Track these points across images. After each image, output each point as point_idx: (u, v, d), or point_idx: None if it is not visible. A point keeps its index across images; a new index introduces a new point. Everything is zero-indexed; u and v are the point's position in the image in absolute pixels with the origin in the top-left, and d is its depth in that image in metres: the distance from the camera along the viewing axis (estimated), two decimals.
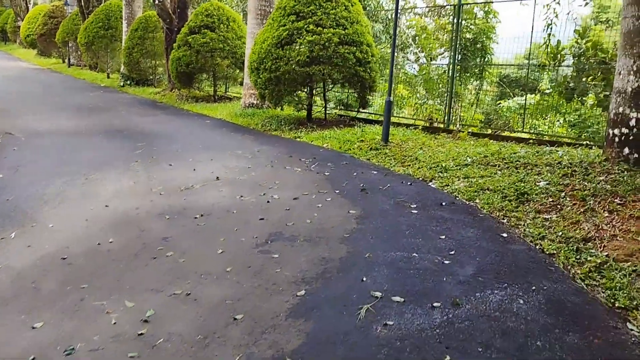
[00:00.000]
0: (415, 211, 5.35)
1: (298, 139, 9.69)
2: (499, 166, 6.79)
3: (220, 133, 9.98)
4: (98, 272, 3.93)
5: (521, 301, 3.37)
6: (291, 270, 3.93)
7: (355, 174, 7.00)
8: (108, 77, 20.48)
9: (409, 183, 6.56)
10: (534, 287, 3.58)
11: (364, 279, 3.74)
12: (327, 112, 11.76)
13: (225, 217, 5.14)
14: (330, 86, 11.18)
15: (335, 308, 3.34)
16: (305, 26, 9.90)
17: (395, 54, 13.46)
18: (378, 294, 3.49)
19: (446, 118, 10.20)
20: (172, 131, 9.90)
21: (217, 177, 6.61)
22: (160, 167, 7.10)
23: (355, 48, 9.93)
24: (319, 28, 9.84)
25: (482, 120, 11.93)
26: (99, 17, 20.25)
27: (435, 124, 10.46)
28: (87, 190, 5.98)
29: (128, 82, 18.15)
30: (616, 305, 3.38)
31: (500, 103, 14.16)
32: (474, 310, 3.27)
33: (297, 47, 9.87)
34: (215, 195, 5.88)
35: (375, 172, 7.12)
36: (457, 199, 5.87)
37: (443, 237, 4.59)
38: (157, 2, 15.76)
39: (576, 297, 3.46)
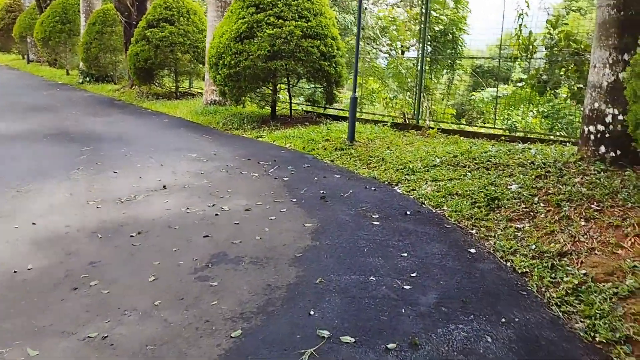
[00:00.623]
0: (377, 222, 4.87)
1: (260, 139, 9.14)
2: (468, 167, 6.35)
3: (176, 134, 9.37)
4: (7, 310, 3.36)
5: (489, 339, 2.92)
6: (230, 302, 3.41)
7: (316, 178, 6.50)
8: (67, 73, 19.59)
9: (373, 188, 6.08)
10: (504, 319, 3.13)
11: (312, 312, 3.25)
12: (294, 108, 11.23)
13: (166, 235, 4.59)
14: (295, 81, 10.64)
15: (274, 353, 2.84)
16: (266, 19, 9.32)
17: (368, 46, 12.98)
18: (326, 333, 3.00)
19: (416, 113, 9.76)
20: (125, 133, 9.26)
21: (164, 186, 6.03)
22: (104, 175, 6.49)
23: (319, 41, 9.40)
24: (280, 20, 9.27)
25: (454, 114, 11.54)
26: (56, 10, 19.30)
27: (407, 120, 10.01)
28: (16, 205, 5.35)
29: (87, 78, 17.33)
30: (596, 339, 2.94)
31: (473, 95, 13.81)
32: (435, 352, 2.80)
33: (258, 41, 9.30)
34: (158, 207, 5.32)
35: (338, 176, 6.63)
36: (424, 206, 5.42)
37: (405, 254, 4.12)
38: None
39: (551, 331, 3.02)
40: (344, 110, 11.10)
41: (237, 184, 6.21)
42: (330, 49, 9.57)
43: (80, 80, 17.37)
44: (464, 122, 12.14)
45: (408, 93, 10.73)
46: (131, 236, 4.57)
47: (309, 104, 11.38)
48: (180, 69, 13.84)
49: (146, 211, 5.21)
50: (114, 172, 6.61)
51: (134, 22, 14.79)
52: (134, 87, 14.80)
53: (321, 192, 5.88)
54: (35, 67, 22.30)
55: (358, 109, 10.48)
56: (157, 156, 7.52)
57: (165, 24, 13.24)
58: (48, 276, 3.84)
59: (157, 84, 14.50)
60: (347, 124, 9.07)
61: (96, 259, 4.11)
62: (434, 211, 5.24)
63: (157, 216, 5.05)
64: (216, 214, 5.11)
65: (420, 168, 6.65)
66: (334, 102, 10.53)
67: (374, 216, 5.05)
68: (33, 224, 4.86)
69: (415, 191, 5.88)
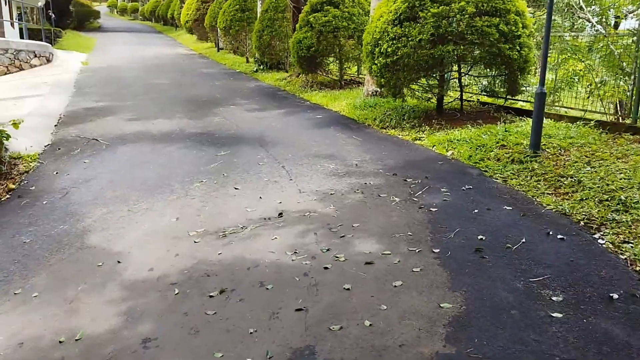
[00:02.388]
0: (559, 314, 3.09)
1: (418, 142, 7.57)
2: None
3: (324, 134, 8.26)
4: None
5: None
6: None
7: (476, 210, 4.80)
8: (247, 61, 19.94)
9: (559, 235, 4.20)
10: None
11: None
12: (467, 99, 9.36)
13: (252, 299, 3.45)
14: (467, 69, 8.75)
15: None
16: None
17: (566, 21, 10.35)
18: None
19: (634, 109, 7.21)
20: (270, 133, 8.44)
21: (281, 213, 4.92)
22: (223, 191, 5.63)
23: (498, 19, 7.41)
24: None
25: None
26: None
27: (621, 118, 7.51)
28: (118, 231, 4.72)
29: (261, 66, 17.29)
30: None
31: None
32: None
33: (420, 23, 7.67)
34: (261, 248, 4.21)
35: (508, 208, 4.83)
36: None
37: None
38: None
39: None
40: (529, 102, 8.87)
41: (368, 214, 4.82)
42: (513, 28, 7.51)
43: (255, 69, 17.43)
44: None
45: (624, 79, 8.09)
46: (210, 296, 3.51)
47: (485, 94, 9.37)
48: (344, 56, 12.76)
49: (245, 253, 4.14)
50: (235, 189, 5.71)
51: (302, 7, 14.07)
52: (300, 75, 14.17)
53: (479, 237, 4.20)
54: (222, 56, 23.36)
55: (549, 100, 8.23)
56: (291, 166, 6.48)
57: (329, 7, 12.22)
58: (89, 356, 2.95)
59: (322, 72, 13.65)
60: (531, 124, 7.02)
61: (152, 335, 3.12)
62: None
63: (254, 263, 3.94)
64: (325, 268, 3.81)
65: (639, 201, 4.52)
66: (517, 93, 8.42)
67: (555, 298, 3.26)
68: (118, 262, 4.11)
69: (630, 246, 3.86)
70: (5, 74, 16.37)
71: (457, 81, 9.01)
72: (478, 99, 9.64)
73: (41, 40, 20.47)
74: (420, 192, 5.34)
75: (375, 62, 8.24)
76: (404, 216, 4.74)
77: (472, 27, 7.37)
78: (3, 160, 6.58)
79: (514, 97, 8.63)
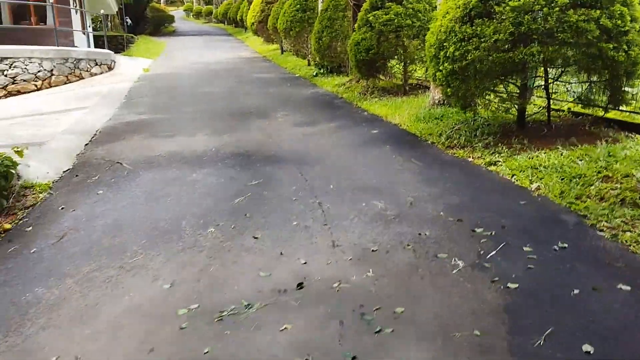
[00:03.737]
0: None
1: (492, 168, 6.08)
2: None
3: (377, 157, 6.95)
4: None
5: None
6: None
7: (577, 291, 3.34)
8: (309, 64, 18.86)
9: None
10: None
11: None
12: (556, 108, 7.71)
13: None
14: (558, 73, 7.11)
15: None
16: None
17: None
18: None
19: None
20: (315, 154, 7.24)
21: (301, 284, 3.69)
22: (238, 242, 4.48)
23: (598, 11, 5.78)
24: None
25: None
26: None
27: None
28: (95, 301, 3.69)
29: (321, 70, 16.16)
30: None
31: None
32: None
33: (496, 20, 6.18)
34: (264, 344, 3.02)
35: (626, 290, 3.33)
36: None
37: None
38: None
39: None
40: (639, 113, 7.08)
41: (419, 290, 3.49)
42: (618, 22, 5.84)
43: (314, 73, 16.30)
44: None
45: None
46: None
47: (579, 102, 7.66)
48: (408, 58, 11.31)
49: (240, 352, 2.97)
50: (254, 238, 4.55)
51: (362, 4, 12.74)
52: (360, 80, 12.86)
53: (583, 347, 2.77)
54: (284, 59, 22.45)
55: None
56: (329, 203, 5.24)
57: (391, 3, 10.83)
58: None
59: (384, 76, 12.25)
60: None
61: None
62: None
63: None
64: None
65: None
66: (622, 102, 6.69)
67: None
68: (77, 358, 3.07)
69: None
70: (65, 83, 16.26)
71: (541, 88, 7.39)
72: (569, 109, 7.93)
73: (104, 47, 20.45)
74: (493, 253, 3.92)
75: (440, 68, 6.82)
76: (470, 297, 3.37)
77: (564, 23, 5.79)
78: (6, 193, 5.81)
79: (617, 107, 6.89)
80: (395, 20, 10.61)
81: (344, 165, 6.61)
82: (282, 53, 25.02)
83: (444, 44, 6.66)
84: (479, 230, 4.35)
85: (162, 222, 5.07)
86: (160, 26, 52.07)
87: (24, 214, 5.52)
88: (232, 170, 6.62)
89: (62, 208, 5.64)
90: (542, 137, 6.80)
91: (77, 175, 6.75)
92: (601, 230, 4.22)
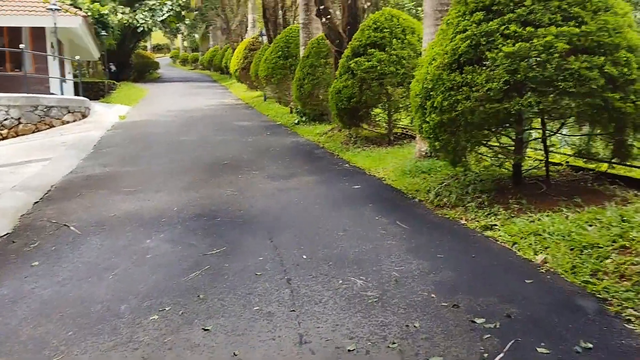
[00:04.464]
0: None
1: (489, 234, 5.33)
2: None
3: (359, 216, 6.18)
4: None
5: None
6: None
7: None
8: (291, 112, 18.31)
9: None
10: None
11: None
12: (551, 163, 7.03)
13: None
14: (557, 126, 6.48)
15: None
16: (503, 28, 5.53)
17: None
18: None
19: None
20: (289, 214, 6.45)
21: None
22: (184, 335, 3.61)
23: (602, 58, 5.18)
24: (527, 28, 5.38)
25: None
26: (279, 45, 18.27)
27: None
28: None
29: (303, 118, 15.58)
30: None
31: None
32: None
33: (488, 68, 5.56)
34: None
35: None
36: None
37: None
38: (323, 20, 12.75)
39: None
40: None
41: None
42: (624, 70, 5.24)
43: (296, 121, 15.71)
44: None
45: None
46: None
47: (579, 156, 7.00)
48: (393, 106, 10.73)
49: None
50: (204, 330, 3.68)
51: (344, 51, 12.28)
52: (342, 129, 12.24)
53: None
54: (267, 106, 21.93)
55: None
56: (300, 279, 4.41)
57: (373, 49, 10.31)
58: None
59: (367, 125, 11.62)
60: None
61: None
62: None
63: None
64: None
65: None
66: (629, 156, 6.05)
67: None
68: None
69: None
70: (34, 132, 15.49)
71: (538, 140, 6.75)
72: (567, 162, 7.28)
73: (79, 94, 19.81)
74: (501, 356, 3.10)
75: (427, 119, 6.15)
76: None
77: (564, 71, 5.17)
78: None
79: (623, 162, 6.24)
80: (378, 67, 10.07)
81: (320, 228, 5.81)
82: (264, 100, 24.56)
83: (431, 93, 6.02)
84: (479, 320, 3.53)
85: (98, 305, 4.20)
86: (144, 72, 51.92)
87: None
88: (192, 236, 5.78)
89: None
90: (541, 196, 6.09)
91: (14, 242, 5.86)
92: (628, 321, 3.44)
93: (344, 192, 7.44)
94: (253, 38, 27.88)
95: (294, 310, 3.88)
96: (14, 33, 20.60)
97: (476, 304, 3.78)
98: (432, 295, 3.97)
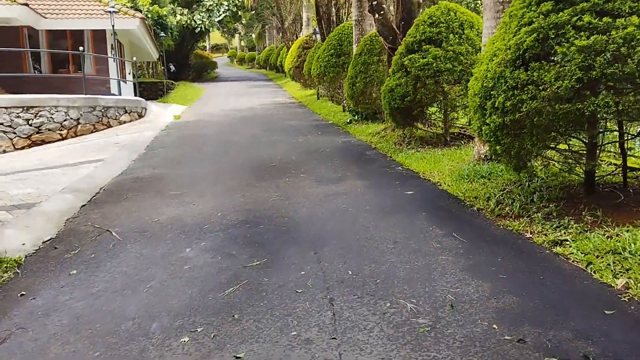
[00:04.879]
0: None
1: (559, 251, 4.73)
2: None
3: (411, 227, 5.71)
4: None
5: None
6: None
7: None
8: (343, 110, 17.92)
9: None
10: None
11: None
12: (629, 168, 6.30)
13: None
14: (635, 127, 5.77)
15: None
16: (575, 19, 4.91)
17: None
18: None
19: None
20: (335, 223, 6.06)
21: None
22: None
23: None
24: (604, 19, 4.75)
25: None
26: (331, 43, 17.88)
27: None
28: None
29: (355, 117, 15.15)
30: None
31: None
32: None
33: (557, 64, 4.95)
34: None
35: None
36: None
37: None
38: (376, 16, 12.26)
39: None
40: None
41: None
42: None
43: (348, 120, 15.29)
44: None
45: None
46: None
47: None
48: (449, 105, 10.13)
49: None
50: (235, 358, 3.36)
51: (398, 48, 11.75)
52: (396, 129, 11.72)
53: None
54: (320, 104, 21.63)
55: None
56: (343, 301, 4.01)
57: (428, 45, 9.74)
58: None
59: (422, 124, 11.07)
60: None
61: None
62: None
63: None
64: None
65: None
66: None
67: None
68: None
69: None
70: (92, 132, 15.85)
71: (611, 142, 6.04)
72: None
73: (136, 94, 20.20)
74: None
75: (487, 121, 5.60)
76: None
77: None
78: None
79: None
80: (434, 65, 9.50)
81: (368, 240, 5.39)
82: (318, 99, 24.29)
83: (492, 92, 5.46)
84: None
85: (129, 322, 3.96)
86: (202, 72, 53.03)
87: None
88: (233, 245, 5.49)
89: (22, 295, 4.63)
90: (618, 207, 5.41)
91: (56, 248, 5.77)
92: None
93: (395, 198, 6.97)
94: (307, 36, 27.67)
95: (334, 338, 3.49)
96: (77, 36, 21.31)
97: (546, 339, 3.26)
98: (494, 325, 3.48)
